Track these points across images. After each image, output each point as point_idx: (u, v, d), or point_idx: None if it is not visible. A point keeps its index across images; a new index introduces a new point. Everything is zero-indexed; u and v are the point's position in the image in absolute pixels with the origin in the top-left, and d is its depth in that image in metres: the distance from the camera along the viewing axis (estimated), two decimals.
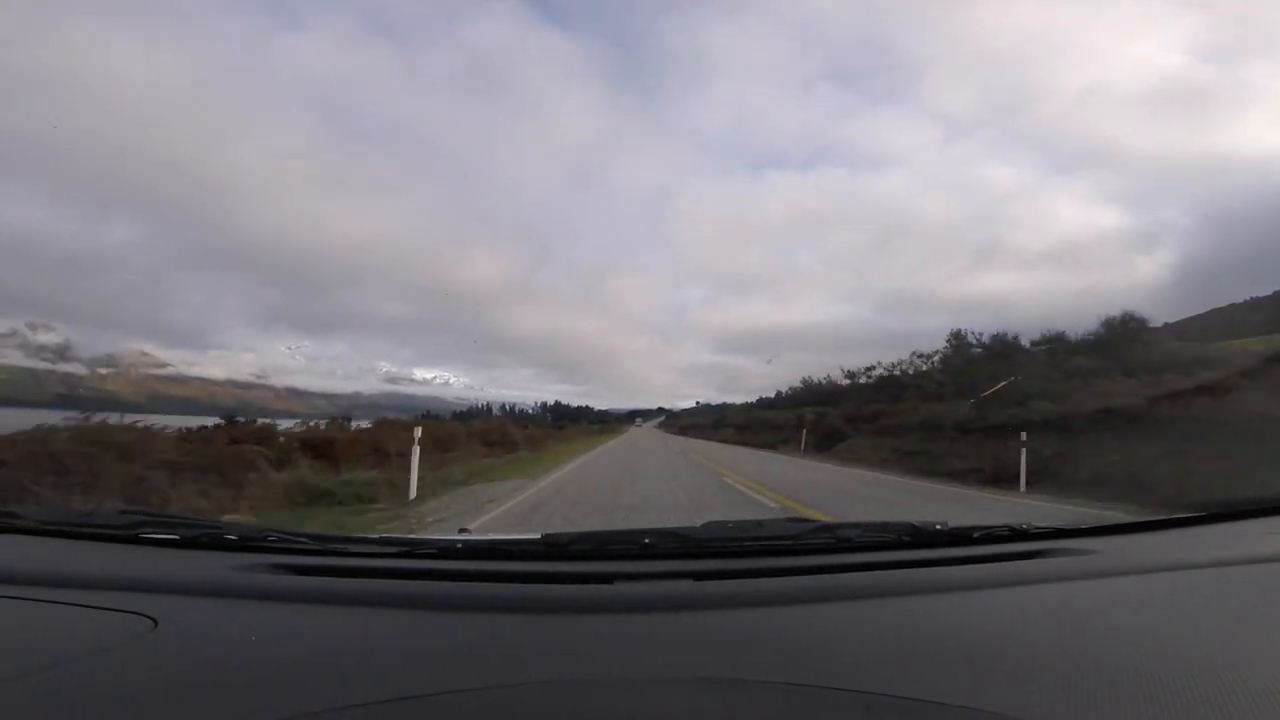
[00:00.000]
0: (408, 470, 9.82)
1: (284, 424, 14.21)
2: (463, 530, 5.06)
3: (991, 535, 1.34)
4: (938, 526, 1.36)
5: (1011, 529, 1.36)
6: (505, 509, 8.36)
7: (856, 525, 1.38)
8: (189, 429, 11.95)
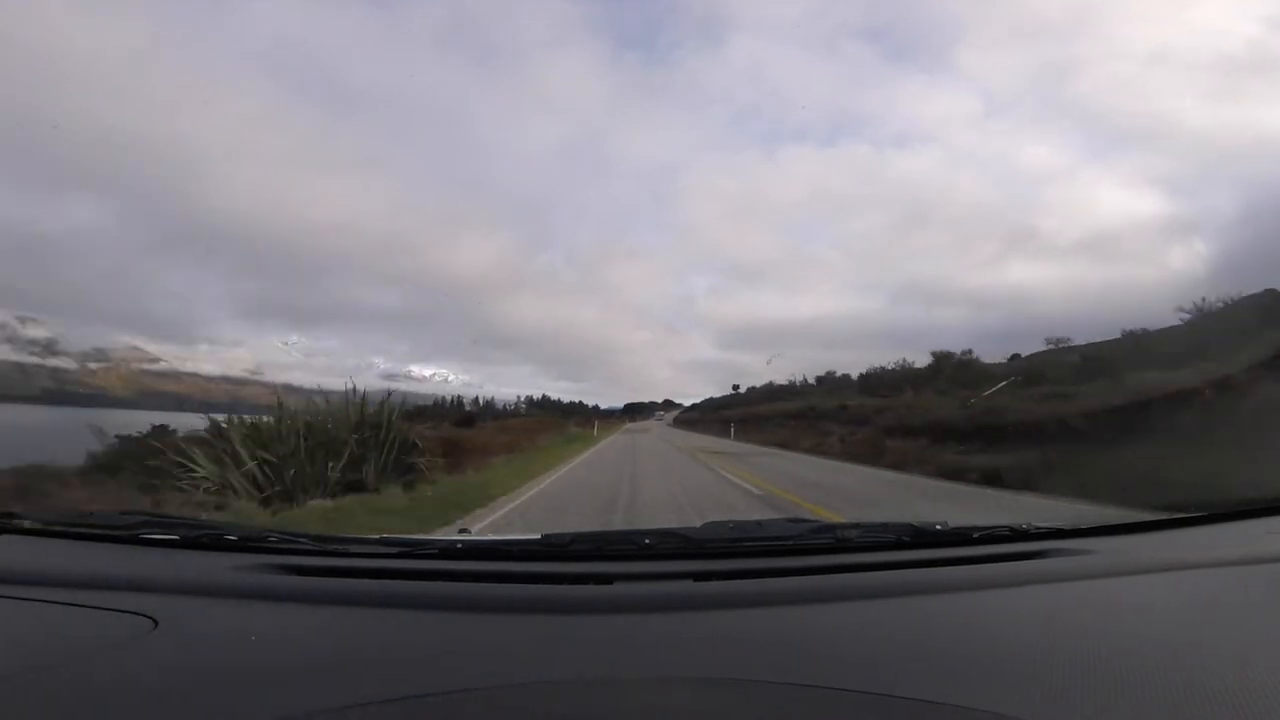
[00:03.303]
0: None
1: None
2: (463, 530, 5.06)
3: (991, 535, 1.35)
4: (938, 527, 1.37)
5: (1011, 529, 1.37)
6: None
7: (857, 525, 1.39)
8: None
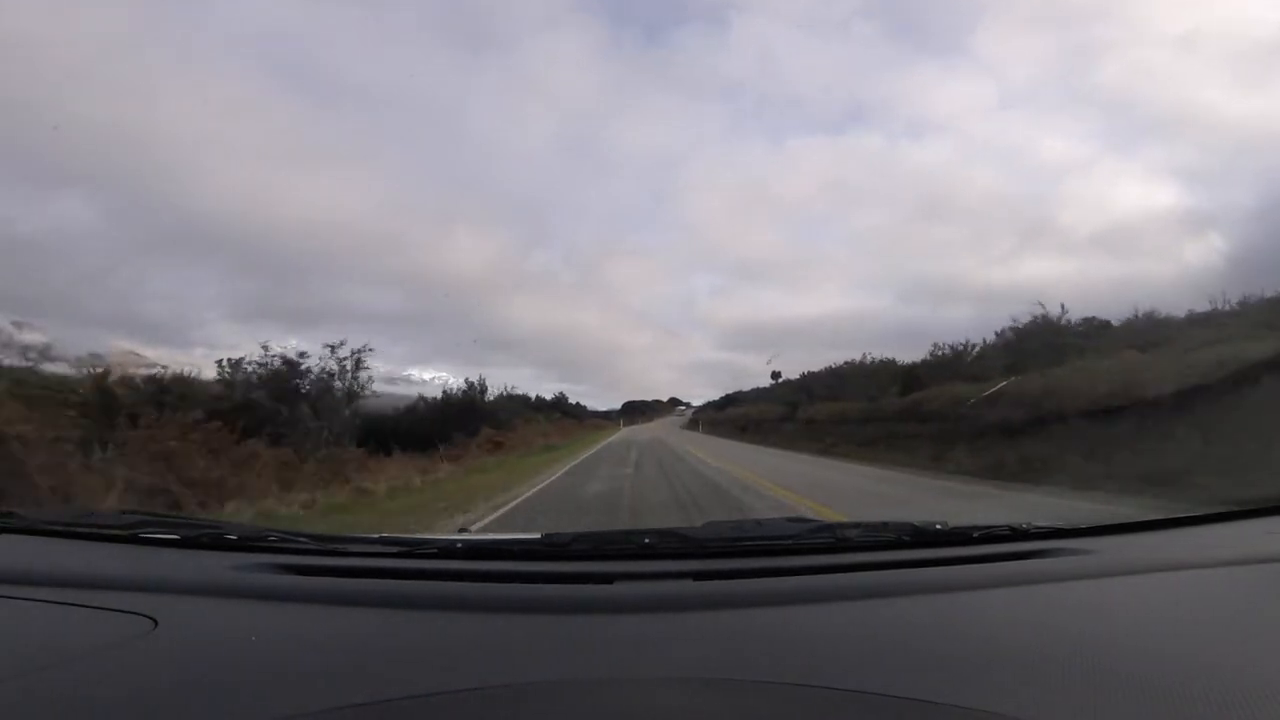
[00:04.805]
0: None
1: None
2: (463, 530, 5.06)
3: (991, 535, 1.35)
4: (938, 526, 1.37)
5: (1011, 528, 1.37)
6: None
7: (857, 525, 1.39)
8: None
